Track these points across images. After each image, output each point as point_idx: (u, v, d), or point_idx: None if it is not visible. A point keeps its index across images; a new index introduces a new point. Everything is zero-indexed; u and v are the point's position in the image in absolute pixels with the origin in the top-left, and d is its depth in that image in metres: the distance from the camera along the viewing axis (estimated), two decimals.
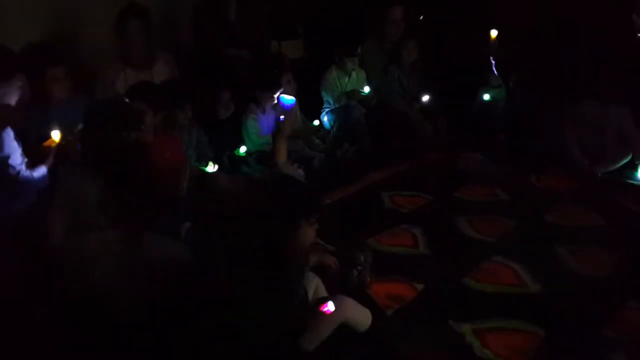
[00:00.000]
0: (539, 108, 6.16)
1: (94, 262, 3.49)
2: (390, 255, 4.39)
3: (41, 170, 4.01)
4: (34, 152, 4.07)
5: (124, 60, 5.17)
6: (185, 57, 5.81)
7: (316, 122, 6.22)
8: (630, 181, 5.61)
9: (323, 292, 3.42)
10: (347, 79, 6.38)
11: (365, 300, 3.61)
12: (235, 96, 5.47)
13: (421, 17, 7.17)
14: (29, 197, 3.97)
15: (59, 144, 4.13)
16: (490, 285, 4.02)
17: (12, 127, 3.91)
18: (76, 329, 3.30)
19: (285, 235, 3.02)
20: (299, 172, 5.07)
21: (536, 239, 4.63)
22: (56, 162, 4.06)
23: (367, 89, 6.33)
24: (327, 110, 6.33)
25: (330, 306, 3.15)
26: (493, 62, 6.45)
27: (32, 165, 3.98)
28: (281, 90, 5.56)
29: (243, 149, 5.44)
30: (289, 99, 5.35)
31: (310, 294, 3.31)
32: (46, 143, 4.16)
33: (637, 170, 5.64)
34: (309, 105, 6.20)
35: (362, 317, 3.31)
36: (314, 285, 3.41)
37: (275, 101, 5.56)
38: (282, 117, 5.43)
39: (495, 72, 6.49)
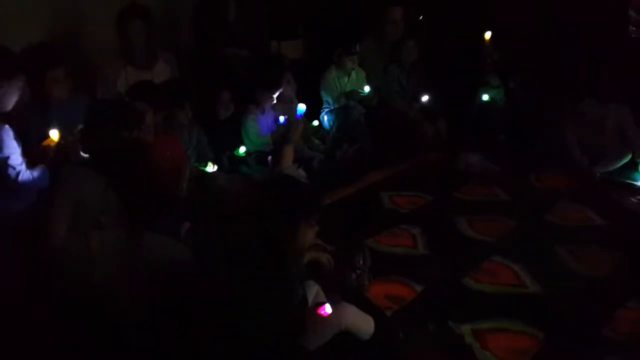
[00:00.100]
0: (539, 108, 6.17)
1: (94, 262, 3.50)
2: (390, 256, 4.40)
3: (41, 170, 4.00)
4: (34, 152, 4.07)
5: (126, 59, 5.17)
6: (185, 57, 5.80)
7: (315, 123, 6.21)
8: (630, 181, 5.60)
9: (323, 298, 3.41)
10: (346, 79, 6.37)
11: (364, 301, 3.61)
12: (235, 96, 5.46)
13: (421, 17, 7.17)
14: (29, 197, 3.96)
15: (58, 144, 4.13)
16: (490, 285, 4.03)
17: (12, 128, 3.90)
18: (76, 329, 3.30)
19: (285, 235, 3.02)
20: (300, 173, 5.06)
21: (536, 239, 4.64)
22: (55, 162, 4.05)
23: (367, 89, 6.32)
24: (326, 110, 6.33)
25: (327, 308, 3.15)
26: (489, 62, 6.47)
27: (31, 165, 3.97)
28: (280, 90, 5.56)
29: (242, 149, 5.43)
30: (301, 108, 5.36)
31: (311, 299, 3.30)
32: (45, 142, 4.15)
33: (637, 171, 5.63)
34: (309, 106, 6.19)
35: (364, 325, 3.27)
36: (314, 291, 3.40)
37: (275, 101, 5.56)
38: (282, 118, 5.43)
39: (493, 72, 6.50)
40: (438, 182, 5.71)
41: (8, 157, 3.84)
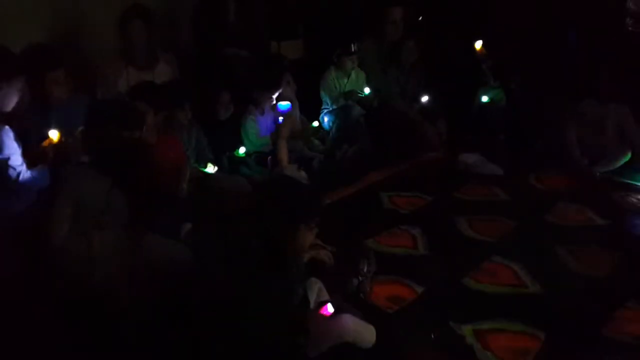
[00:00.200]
0: (538, 108, 6.17)
1: (95, 262, 3.50)
2: (390, 256, 4.39)
3: (41, 170, 4.01)
4: (33, 153, 4.07)
5: (127, 60, 5.18)
6: (185, 57, 5.80)
7: (315, 124, 6.20)
8: (630, 181, 5.60)
9: (325, 296, 3.40)
10: (346, 80, 6.36)
11: (364, 306, 3.61)
12: (235, 97, 5.46)
13: (420, 18, 7.17)
14: (29, 197, 3.96)
15: (58, 144, 4.13)
16: (490, 285, 4.03)
17: (12, 128, 3.91)
18: (76, 329, 3.30)
19: (285, 235, 3.02)
20: (301, 175, 5.06)
21: (536, 239, 4.64)
22: (55, 162, 4.06)
23: (367, 90, 6.32)
24: (326, 111, 6.33)
25: (329, 308, 3.14)
26: (485, 68, 6.48)
27: (31, 165, 3.98)
28: (280, 90, 5.56)
29: (242, 150, 5.43)
30: (284, 104, 5.38)
31: (313, 298, 3.29)
32: (44, 143, 4.15)
33: (637, 170, 5.64)
34: (309, 106, 6.20)
35: (366, 335, 3.25)
36: (316, 289, 3.39)
37: (274, 102, 5.56)
38: (281, 118, 5.43)
39: (490, 75, 6.52)
40: (438, 182, 5.70)
41: (8, 158, 3.84)
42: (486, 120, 6.42)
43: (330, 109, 6.28)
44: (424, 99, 6.44)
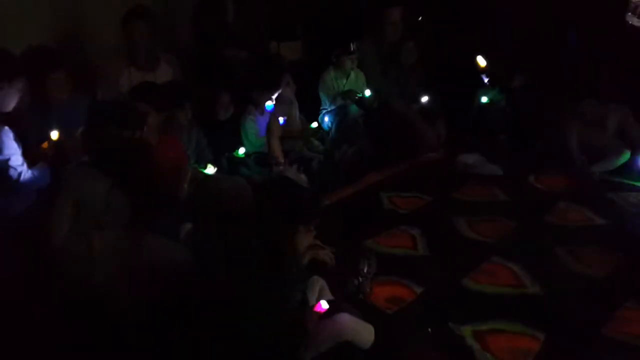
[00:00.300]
0: (539, 108, 6.16)
1: (95, 262, 3.50)
2: (389, 257, 4.38)
3: (41, 169, 4.02)
4: (33, 153, 4.08)
5: (129, 60, 5.19)
6: (185, 58, 5.80)
7: (314, 124, 6.19)
8: (629, 181, 5.61)
9: (327, 294, 3.40)
10: (345, 80, 6.37)
11: (363, 306, 3.61)
12: (234, 97, 5.46)
13: (420, 18, 7.17)
14: (29, 197, 3.97)
15: (57, 143, 4.14)
16: (490, 286, 4.02)
17: (11, 129, 3.91)
18: (76, 329, 3.30)
19: (285, 235, 3.02)
20: (301, 178, 5.06)
21: (536, 239, 4.63)
22: (55, 162, 4.07)
23: (367, 92, 6.32)
24: (325, 111, 6.33)
25: (323, 305, 3.14)
26: (487, 80, 6.51)
27: (31, 165, 3.98)
28: (279, 91, 5.56)
29: (242, 151, 5.44)
30: (269, 104, 5.40)
31: (315, 296, 3.29)
32: (44, 145, 4.17)
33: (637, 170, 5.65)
34: (308, 107, 6.20)
35: (365, 335, 3.25)
36: (318, 286, 3.39)
37: (274, 102, 5.56)
38: (281, 119, 5.44)
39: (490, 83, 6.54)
40: (437, 182, 5.69)
41: (9, 159, 3.85)
42: (485, 120, 6.43)
43: (329, 109, 6.28)
44: (424, 99, 6.45)
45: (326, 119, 6.25)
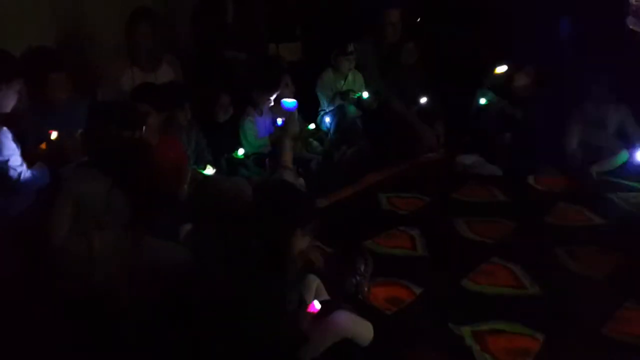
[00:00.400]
0: (539, 108, 6.16)
1: (95, 262, 3.50)
2: (388, 257, 4.39)
3: (40, 169, 4.02)
4: (32, 154, 4.08)
5: (131, 61, 5.20)
6: (185, 58, 5.80)
7: (312, 126, 6.18)
8: (629, 181, 5.61)
9: (324, 294, 3.40)
10: (343, 82, 6.37)
11: (362, 306, 3.61)
12: (234, 98, 5.46)
13: (419, 20, 7.18)
14: (29, 197, 3.97)
15: (55, 142, 4.15)
16: (489, 286, 4.02)
17: (10, 130, 3.91)
18: (76, 329, 3.29)
19: (285, 235, 3.02)
20: (299, 181, 5.05)
21: (535, 240, 4.64)
22: (55, 162, 4.07)
23: (365, 95, 6.32)
24: (323, 112, 6.33)
25: (316, 305, 3.14)
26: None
27: (29, 166, 3.98)
28: (278, 92, 5.56)
29: (241, 152, 5.43)
30: (290, 101, 5.36)
31: (312, 295, 3.30)
32: (42, 145, 4.17)
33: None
34: (307, 108, 6.19)
35: (363, 332, 3.25)
36: (314, 286, 3.39)
37: (273, 103, 5.56)
38: (279, 120, 5.43)
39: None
40: (436, 183, 5.71)
41: (8, 160, 3.85)
42: (485, 121, 6.43)
43: (327, 110, 6.28)
44: (423, 100, 6.46)
45: (327, 119, 6.24)
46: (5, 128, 3.86)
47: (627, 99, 5.76)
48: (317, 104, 6.37)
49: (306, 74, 6.40)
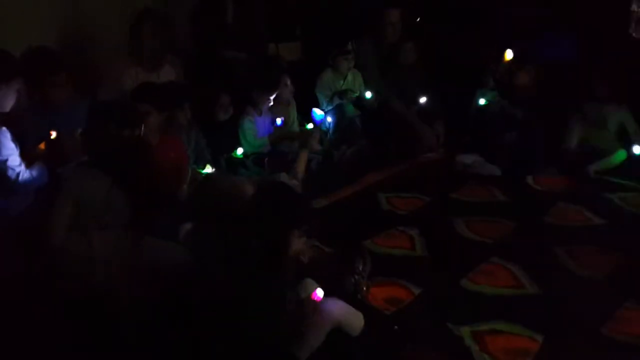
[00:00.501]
0: (540, 108, 6.16)
1: (95, 262, 3.50)
2: (388, 257, 4.38)
3: (39, 169, 4.02)
4: (31, 154, 4.08)
5: (135, 61, 5.22)
6: (185, 58, 5.81)
7: (310, 126, 6.17)
8: (628, 182, 5.61)
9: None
10: (342, 82, 6.37)
11: (362, 303, 3.60)
12: (233, 98, 5.47)
13: (418, 19, 7.18)
14: (28, 197, 3.97)
15: (54, 142, 4.15)
16: (489, 286, 4.01)
17: (9, 130, 3.92)
18: (76, 329, 3.29)
19: (285, 235, 3.02)
20: (293, 183, 5.04)
21: (535, 240, 4.63)
22: (52, 160, 4.07)
23: (368, 94, 6.32)
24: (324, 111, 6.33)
25: (319, 293, 3.14)
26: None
27: (28, 166, 3.99)
28: (278, 91, 5.56)
29: (240, 151, 5.43)
30: (320, 113, 5.36)
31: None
32: (41, 145, 4.17)
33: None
34: (306, 108, 6.19)
35: (354, 319, 3.26)
36: (313, 289, 3.39)
37: (272, 103, 5.57)
38: (279, 120, 5.43)
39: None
40: (436, 183, 5.71)
41: (7, 159, 3.85)
42: (484, 121, 6.42)
43: (326, 109, 6.27)
44: (423, 99, 6.46)
45: (329, 119, 6.22)
46: (4, 128, 3.88)
47: (628, 99, 5.76)
48: (316, 103, 6.37)
49: (306, 74, 6.40)
